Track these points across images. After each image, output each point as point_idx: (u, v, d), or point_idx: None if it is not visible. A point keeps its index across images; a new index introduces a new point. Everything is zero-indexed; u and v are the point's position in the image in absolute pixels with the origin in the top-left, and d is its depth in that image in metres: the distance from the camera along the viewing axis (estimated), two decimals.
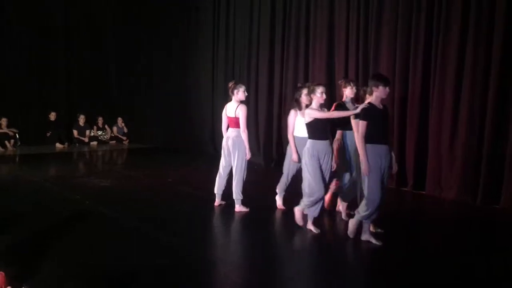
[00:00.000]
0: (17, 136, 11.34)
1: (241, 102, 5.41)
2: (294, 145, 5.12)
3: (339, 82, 5.54)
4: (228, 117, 5.49)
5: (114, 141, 12.59)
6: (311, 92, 4.63)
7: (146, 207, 5.77)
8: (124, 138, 12.72)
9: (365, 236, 4.24)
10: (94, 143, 12.15)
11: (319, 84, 4.72)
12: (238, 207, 5.42)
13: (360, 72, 7.32)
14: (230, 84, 5.51)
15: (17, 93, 11.91)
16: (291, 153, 5.24)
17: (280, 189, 5.63)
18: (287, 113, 5.58)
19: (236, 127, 5.41)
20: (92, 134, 12.31)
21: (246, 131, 5.39)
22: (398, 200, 6.37)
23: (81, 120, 12.12)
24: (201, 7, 11.01)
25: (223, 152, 5.60)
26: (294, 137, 5.16)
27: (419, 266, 3.84)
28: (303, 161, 4.59)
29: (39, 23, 12.09)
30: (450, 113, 6.19)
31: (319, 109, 4.59)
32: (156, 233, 4.66)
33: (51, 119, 12.00)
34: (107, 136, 12.58)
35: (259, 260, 3.97)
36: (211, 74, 10.76)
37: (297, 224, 4.68)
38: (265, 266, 3.81)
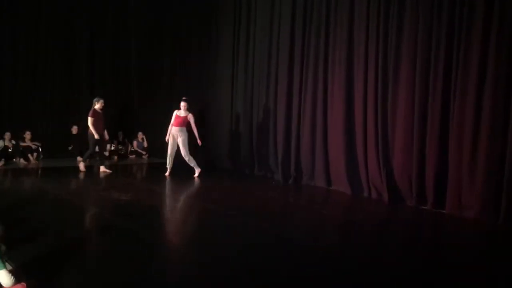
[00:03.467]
0: (40, 149, 11.57)
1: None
2: None
3: None
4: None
5: (133, 156, 12.74)
6: None
7: (166, 221, 5.82)
8: (144, 152, 12.86)
9: None
10: (115, 157, 12.32)
11: None
12: None
13: (380, 84, 7.32)
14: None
15: (40, 107, 12.21)
16: None
17: None
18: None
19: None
20: (112, 148, 12.48)
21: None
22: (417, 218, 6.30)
23: (104, 134, 12.29)
24: (221, 22, 11.18)
25: None
26: None
27: None
28: None
29: (64, 37, 12.43)
30: (471, 129, 6.08)
31: None
32: (179, 248, 4.70)
33: (73, 133, 12.23)
34: (127, 151, 12.75)
35: None
36: (230, 91, 10.87)
37: None
38: None
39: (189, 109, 9.18)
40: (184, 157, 9.02)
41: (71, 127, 12.27)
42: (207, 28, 11.62)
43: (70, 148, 12.15)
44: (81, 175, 9.44)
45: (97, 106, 9.46)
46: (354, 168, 7.85)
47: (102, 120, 9.50)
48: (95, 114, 9.37)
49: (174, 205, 7.07)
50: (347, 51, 7.93)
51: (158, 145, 13.02)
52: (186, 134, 9.06)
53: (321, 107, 8.46)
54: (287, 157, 9.19)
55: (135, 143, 12.97)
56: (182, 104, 9.15)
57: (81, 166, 9.62)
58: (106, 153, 12.19)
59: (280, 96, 9.37)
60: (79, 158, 11.68)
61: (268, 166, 9.76)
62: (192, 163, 9.14)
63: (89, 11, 12.85)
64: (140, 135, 13.05)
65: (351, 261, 4.41)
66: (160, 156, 12.72)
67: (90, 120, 9.31)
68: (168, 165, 9.21)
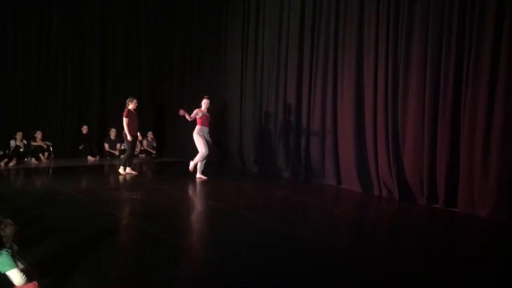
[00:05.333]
0: (51, 149, 11.66)
1: None
2: None
3: None
4: None
5: (143, 155, 12.79)
6: None
7: (178, 220, 5.83)
8: (154, 151, 12.91)
9: None
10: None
11: None
12: None
13: (389, 83, 7.26)
14: None
15: (51, 107, 12.29)
16: None
17: None
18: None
19: None
20: (122, 147, 12.53)
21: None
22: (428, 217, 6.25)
23: (112, 133, 12.37)
24: (230, 23, 11.18)
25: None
26: None
27: None
28: None
29: (75, 37, 12.50)
30: (483, 126, 6.02)
31: None
32: (188, 245, 4.70)
33: (83, 133, 12.32)
34: (137, 150, 12.79)
35: None
36: (240, 88, 10.87)
37: None
38: None
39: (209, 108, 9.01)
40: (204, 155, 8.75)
41: (82, 127, 12.35)
42: (216, 27, 11.63)
43: (80, 147, 12.23)
44: (99, 175, 9.50)
45: (131, 106, 9.17)
46: (364, 166, 7.82)
47: (136, 120, 9.22)
48: (129, 114, 9.09)
49: (184, 203, 7.07)
50: (357, 48, 7.88)
51: (170, 144, 13.12)
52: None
53: (330, 105, 8.42)
54: (297, 155, 9.16)
55: (145, 142, 13.01)
56: (207, 102, 8.96)
57: (121, 170, 9.28)
58: (116, 152, 12.27)
59: (290, 94, 9.35)
60: (89, 158, 11.79)
61: (277, 165, 9.74)
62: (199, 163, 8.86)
63: (99, 12, 12.91)
64: (150, 134, 13.09)
65: (363, 259, 4.38)
66: (170, 155, 12.80)
67: (125, 120, 9.00)
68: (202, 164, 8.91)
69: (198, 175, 8.80)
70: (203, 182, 8.44)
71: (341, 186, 8.29)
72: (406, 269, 4.11)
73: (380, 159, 7.48)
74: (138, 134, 9.47)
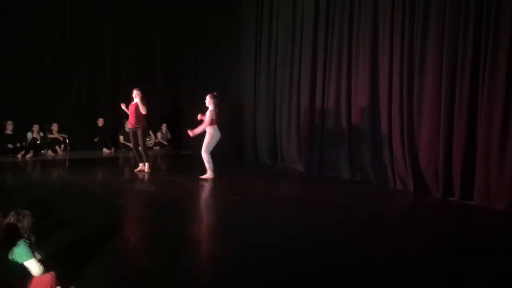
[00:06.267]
0: (67, 141, 11.80)
1: None
2: None
3: None
4: None
5: (158, 147, 12.88)
6: None
7: (191, 213, 5.87)
8: (168, 143, 12.98)
9: None
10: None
11: None
12: None
13: (405, 79, 7.18)
14: None
15: (67, 100, 12.44)
16: None
17: None
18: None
19: None
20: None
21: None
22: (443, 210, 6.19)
23: (127, 126, 12.45)
24: (243, 17, 11.15)
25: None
26: None
27: None
28: None
29: (90, 30, 12.61)
30: (500, 119, 5.91)
31: None
32: (201, 237, 4.73)
33: (98, 125, 12.44)
34: (151, 142, 12.87)
35: None
36: (253, 82, 10.84)
37: None
38: None
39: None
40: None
41: (97, 120, 12.47)
42: (228, 23, 11.62)
43: (96, 140, 12.36)
44: (114, 167, 9.59)
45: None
46: (379, 159, 7.75)
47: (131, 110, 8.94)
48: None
49: (198, 196, 7.11)
50: (372, 39, 7.78)
51: (183, 137, 13.14)
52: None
53: (345, 97, 8.35)
54: (311, 148, 9.13)
55: (159, 134, 13.10)
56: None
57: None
58: (131, 144, 12.34)
59: (303, 89, 9.29)
60: (104, 150, 11.90)
61: (291, 158, 9.72)
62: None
63: (113, 7, 12.97)
64: (164, 127, 13.17)
65: (377, 253, 4.36)
66: (183, 147, 12.84)
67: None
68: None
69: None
70: (218, 176, 8.30)
71: (355, 179, 8.24)
72: (421, 262, 4.09)
73: (395, 151, 7.40)
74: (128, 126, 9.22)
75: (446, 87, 6.56)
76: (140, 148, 8.64)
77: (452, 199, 6.55)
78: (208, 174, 8.01)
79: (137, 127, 8.49)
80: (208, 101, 7.99)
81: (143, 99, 8.43)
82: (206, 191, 7.30)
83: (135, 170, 8.73)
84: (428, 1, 6.80)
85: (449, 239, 4.96)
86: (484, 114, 6.11)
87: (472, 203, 6.29)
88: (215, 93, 8.12)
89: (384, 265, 3.99)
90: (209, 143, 7.93)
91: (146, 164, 8.67)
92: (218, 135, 7.98)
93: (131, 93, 8.58)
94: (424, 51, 6.87)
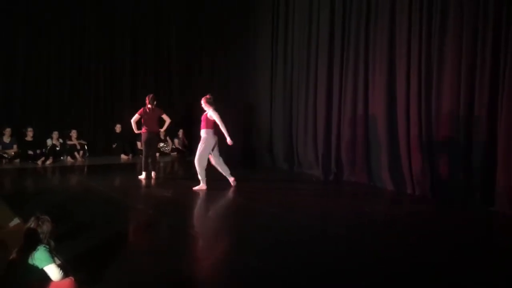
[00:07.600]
0: (86, 147, 11.94)
1: None
2: None
3: None
4: None
5: (175, 153, 12.94)
6: None
7: (208, 218, 5.88)
8: (185, 149, 13.04)
9: None
10: (157, 154, 12.52)
11: None
12: None
13: (423, 81, 7.11)
14: None
15: (86, 107, 12.63)
16: None
17: None
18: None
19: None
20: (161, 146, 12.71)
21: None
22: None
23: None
24: (259, 20, 11.18)
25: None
26: None
27: None
28: None
29: (107, 38, 12.78)
30: None
31: None
32: (219, 242, 4.73)
33: (116, 131, 12.55)
34: (169, 148, 12.94)
35: None
36: (269, 86, 10.85)
37: None
38: None
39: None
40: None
41: (115, 126, 12.59)
42: (244, 30, 11.66)
43: (114, 146, 12.48)
44: (132, 173, 9.67)
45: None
46: (397, 164, 7.65)
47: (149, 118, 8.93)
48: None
49: (215, 201, 7.11)
50: (389, 41, 7.71)
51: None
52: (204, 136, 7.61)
53: (362, 101, 8.30)
54: (328, 153, 9.08)
55: (176, 140, 13.17)
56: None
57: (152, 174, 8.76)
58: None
59: (320, 91, 9.25)
60: (122, 156, 12.01)
61: (308, 163, 9.68)
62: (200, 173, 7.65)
63: (130, 13, 13.14)
64: (181, 132, 13.23)
65: (396, 259, 4.31)
66: None
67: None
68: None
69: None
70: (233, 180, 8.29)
71: (372, 184, 8.17)
72: (442, 268, 4.02)
73: (413, 156, 7.30)
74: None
75: (465, 89, 6.46)
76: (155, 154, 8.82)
77: (472, 204, 6.42)
78: (201, 185, 7.52)
79: (157, 133, 8.60)
80: (204, 105, 7.64)
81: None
82: (222, 196, 7.29)
83: (152, 177, 8.73)
84: (446, 1, 6.73)
85: (469, 245, 4.87)
86: (504, 116, 5.99)
87: (493, 209, 6.16)
88: (207, 96, 7.79)
89: (400, 269, 3.94)
90: (203, 151, 7.45)
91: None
92: (213, 141, 7.49)
93: (147, 99, 8.77)
94: (442, 52, 6.79)
